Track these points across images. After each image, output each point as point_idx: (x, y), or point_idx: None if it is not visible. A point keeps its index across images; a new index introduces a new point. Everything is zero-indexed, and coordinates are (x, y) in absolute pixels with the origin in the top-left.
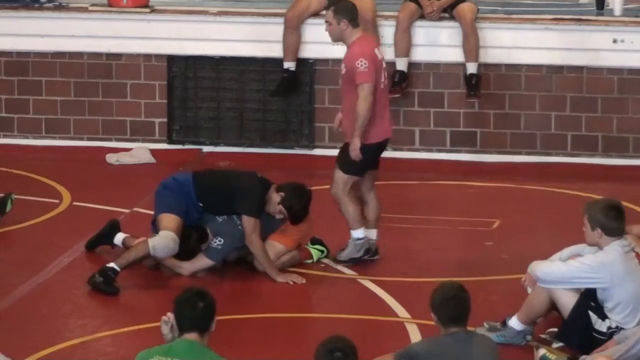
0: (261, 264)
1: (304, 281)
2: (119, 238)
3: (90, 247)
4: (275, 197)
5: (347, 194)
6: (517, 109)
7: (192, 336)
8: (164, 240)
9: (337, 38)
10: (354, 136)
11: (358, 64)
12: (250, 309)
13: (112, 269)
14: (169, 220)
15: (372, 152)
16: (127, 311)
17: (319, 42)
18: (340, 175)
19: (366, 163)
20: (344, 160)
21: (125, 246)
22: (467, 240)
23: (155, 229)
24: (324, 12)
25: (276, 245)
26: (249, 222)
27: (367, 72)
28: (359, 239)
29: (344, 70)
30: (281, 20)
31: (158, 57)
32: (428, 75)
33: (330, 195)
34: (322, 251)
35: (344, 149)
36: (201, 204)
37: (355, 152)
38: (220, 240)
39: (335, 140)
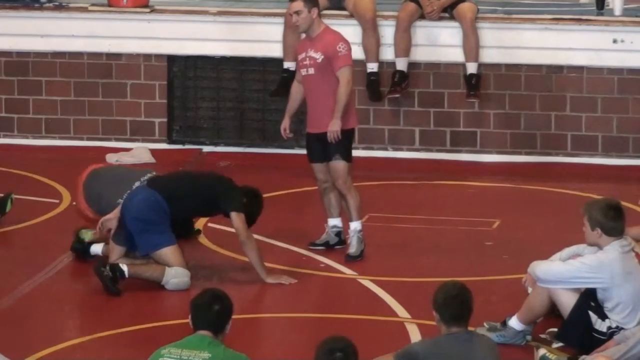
0: (253, 265)
1: (295, 281)
2: (96, 249)
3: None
4: None
5: (352, 184)
6: (517, 109)
7: (205, 333)
8: (180, 281)
9: (306, 28)
10: (335, 117)
11: (339, 47)
12: (250, 309)
13: (122, 271)
14: (176, 255)
15: (353, 137)
16: (126, 311)
17: None
18: (342, 166)
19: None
20: (342, 149)
21: (105, 255)
22: (467, 240)
23: (119, 241)
24: (324, 11)
25: None
26: (239, 219)
27: (349, 56)
28: (360, 231)
29: (320, 59)
30: (281, 20)
31: (158, 57)
32: (428, 75)
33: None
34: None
35: (336, 140)
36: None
37: (335, 133)
38: None
39: None
